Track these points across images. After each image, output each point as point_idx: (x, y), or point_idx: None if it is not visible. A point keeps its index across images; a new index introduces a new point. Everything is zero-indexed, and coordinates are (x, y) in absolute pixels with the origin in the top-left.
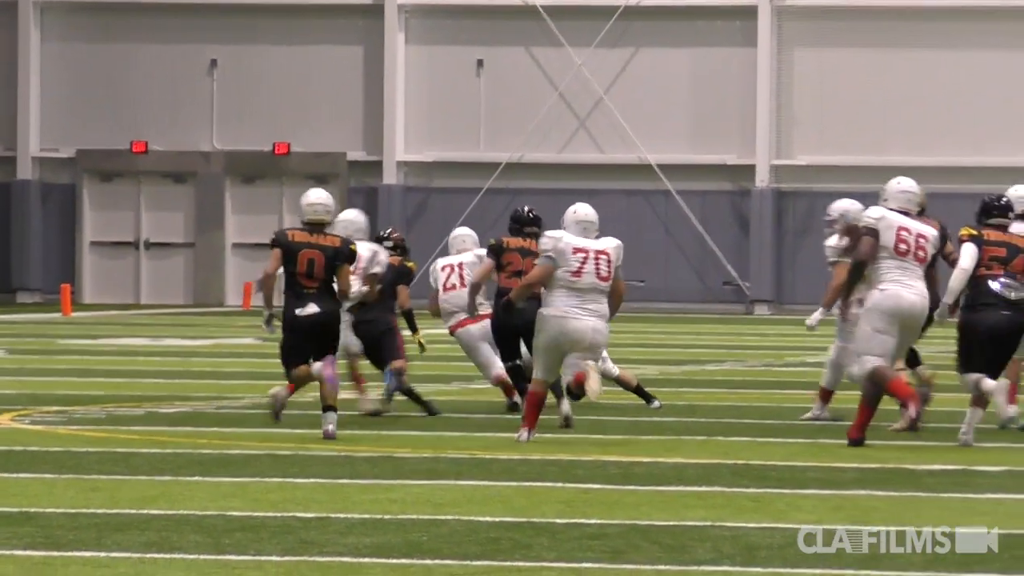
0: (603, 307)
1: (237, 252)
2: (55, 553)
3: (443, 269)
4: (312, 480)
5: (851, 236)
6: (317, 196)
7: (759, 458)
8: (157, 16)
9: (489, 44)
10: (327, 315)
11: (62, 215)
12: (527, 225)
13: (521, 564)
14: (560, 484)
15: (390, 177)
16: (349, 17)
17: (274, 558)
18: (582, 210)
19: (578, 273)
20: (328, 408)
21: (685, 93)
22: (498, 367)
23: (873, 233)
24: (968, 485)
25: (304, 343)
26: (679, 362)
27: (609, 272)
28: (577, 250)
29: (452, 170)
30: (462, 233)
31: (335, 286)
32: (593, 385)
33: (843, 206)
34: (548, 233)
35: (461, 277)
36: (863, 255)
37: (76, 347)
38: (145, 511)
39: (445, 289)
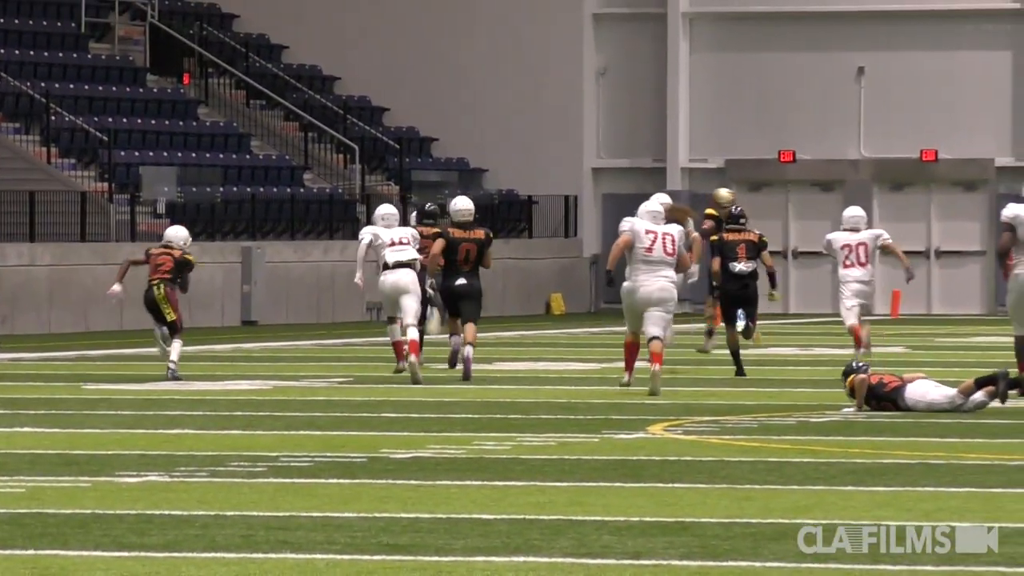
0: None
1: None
2: (710, 563)
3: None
4: (965, 489)
5: None
6: (464, 203)
7: None
8: (803, 24)
9: None
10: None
11: None
12: (427, 216)
13: None
14: None
15: None
16: (997, 22)
17: (928, 568)
18: (651, 204)
19: (649, 249)
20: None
21: None
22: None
23: (1009, 228)
24: None
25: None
26: None
27: (674, 249)
28: (648, 231)
29: None
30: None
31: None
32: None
33: None
34: (626, 219)
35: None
36: (1000, 247)
37: (722, 357)
38: (799, 520)
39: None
